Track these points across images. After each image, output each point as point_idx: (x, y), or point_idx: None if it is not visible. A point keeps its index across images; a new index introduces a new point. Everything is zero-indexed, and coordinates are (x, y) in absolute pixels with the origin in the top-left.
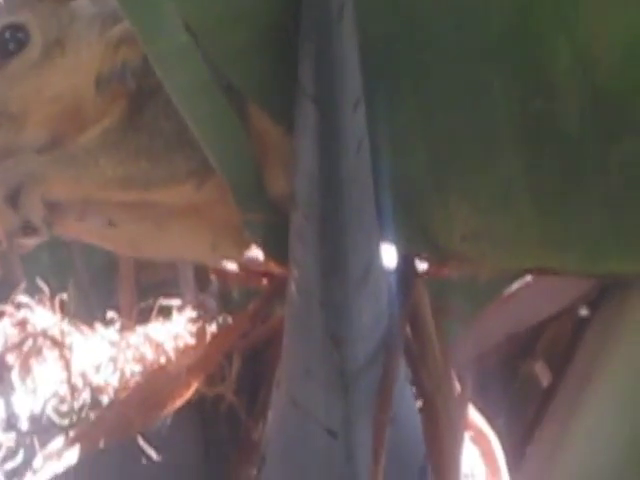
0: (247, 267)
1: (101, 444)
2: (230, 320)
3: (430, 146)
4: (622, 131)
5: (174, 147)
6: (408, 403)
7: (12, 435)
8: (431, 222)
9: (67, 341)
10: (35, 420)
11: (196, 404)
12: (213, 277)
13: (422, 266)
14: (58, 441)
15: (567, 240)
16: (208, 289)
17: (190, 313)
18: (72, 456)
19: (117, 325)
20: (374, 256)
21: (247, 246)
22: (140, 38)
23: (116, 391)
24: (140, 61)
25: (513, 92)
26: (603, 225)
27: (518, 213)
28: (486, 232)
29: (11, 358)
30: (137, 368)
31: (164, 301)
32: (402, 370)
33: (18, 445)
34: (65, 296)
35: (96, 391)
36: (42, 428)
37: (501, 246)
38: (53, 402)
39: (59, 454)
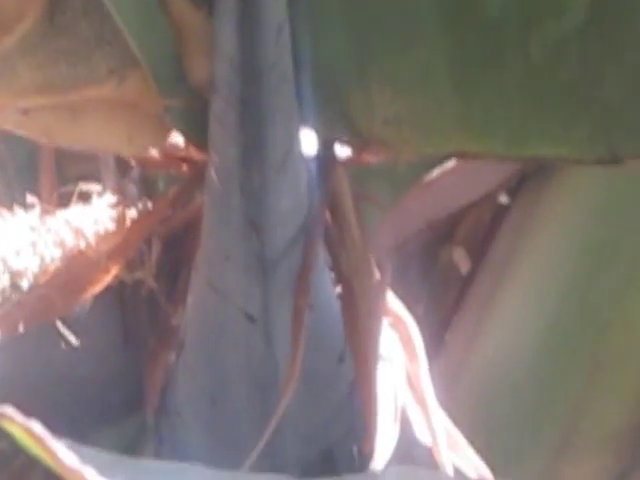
0: (167, 153)
1: (20, 328)
2: (150, 205)
3: (350, 30)
4: (542, 15)
5: (93, 46)
6: (327, 289)
7: None
8: (353, 106)
9: None
10: None
11: (115, 289)
12: (134, 163)
13: (342, 152)
14: None
15: (488, 124)
16: (129, 175)
17: (110, 198)
18: None
19: (37, 210)
20: (294, 142)
21: (165, 138)
22: None
23: (36, 276)
24: None
25: None
26: (524, 109)
27: (439, 97)
28: (407, 116)
29: None
30: (57, 253)
31: (84, 187)
32: (321, 256)
33: None
34: None
35: (16, 275)
36: None
37: (422, 130)
38: None
39: None
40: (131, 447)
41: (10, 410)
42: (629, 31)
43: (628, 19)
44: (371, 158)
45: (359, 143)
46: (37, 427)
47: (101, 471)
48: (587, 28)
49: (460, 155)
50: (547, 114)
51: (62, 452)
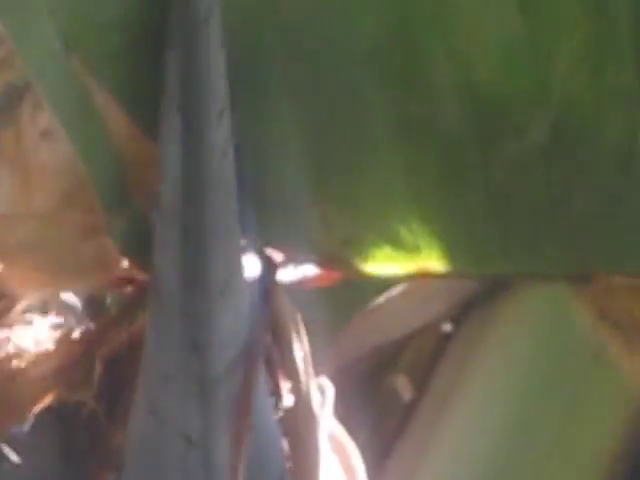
0: (112, 273)
1: None
2: (93, 325)
3: (304, 151)
4: (502, 133)
5: None
6: (267, 412)
7: None
8: (311, 228)
9: None
10: None
11: (56, 409)
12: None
13: (287, 276)
14: None
15: (451, 243)
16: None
17: (53, 319)
18: None
19: None
20: (236, 264)
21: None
22: (11, 40)
23: None
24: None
25: (387, 95)
26: (488, 227)
27: (400, 215)
28: (366, 237)
29: None
30: None
31: (28, 305)
32: (262, 379)
33: None
34: None
35: None
36: None
37: (383, 250)
38: None
39: None
40: None
41: None
42: (592, 148)
43: (591, 136)
44: (318, 282)
45: (319, 263)
46: None
47: None
48: (550, 147)
49: (423, 275)
50: (513, 232)
51: None
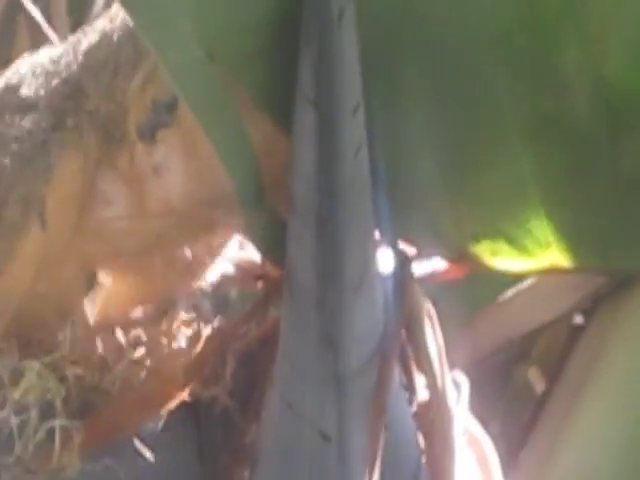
0: (243, 269)
1: (96, 445)
2: (224, 322)
3: (436, 148)
4: (633, 126)
5: None
6: (402, 408)
7: None
8: (441, 223)
9: None
10: None
11: (190, 405)
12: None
13: (418, 270)
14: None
15: (578, 238)
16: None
17: (185, 316)
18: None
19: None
20: (370, 260)
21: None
22: (157, 55)
23: (111, 392)
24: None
25: (518, 92)
26: (615, 220)
27: (529, 210)
28: (497, 231)
29: None
30: (134, 369)
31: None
32: (397, 375)
33: None
34: None
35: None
36: None
37: (513, 245)
38: None
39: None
40: None
41: None
42: None
43: None
44: (448, 275)
45: (450, 259)
46: None
47: None
48: None
49: (552, 270)
50: (636, 226)
51: None
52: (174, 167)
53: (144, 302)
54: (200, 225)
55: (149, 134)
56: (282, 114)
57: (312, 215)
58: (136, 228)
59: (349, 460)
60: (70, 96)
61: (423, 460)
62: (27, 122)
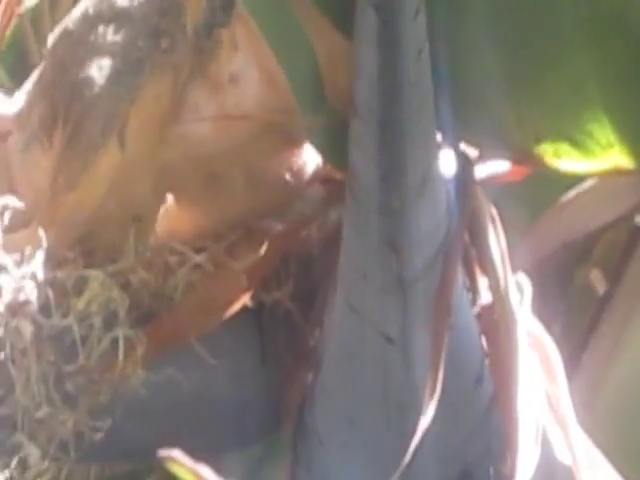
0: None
1: (159, 353)
2: (286, 226)
3: (499, 48)
4: None
5: None
6: (465, 309)
7: None
8: (504, 124)
9: None
10: None
11: (252, 310)
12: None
13: (481, 172)
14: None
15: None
16: None
17: None
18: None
19: None
20: (432, 162)
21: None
22: None
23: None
24: None
25: None
26: None
27: (591, 111)
28: (559, 133)
29: None
30: (195, 273)
31: None
32: (460, 277)
33: None
34: None
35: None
36: None
37: (575, 146)
38: None
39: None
40: (256, 468)
41: (178, 454)
42: None
43: None
44: (509, 178)
45: (514, 160)
46: (206, 471)
47: None
48: None
49: (614, 171)
50: None
51: None
52: (249, 74)
53: (214, 229)
54: (278, 136)
55: (205, 34)
56: (343, 18)
57: (374, 118)
58: (217, 133)
59: (413, 362)
60: (167, 11)
61: (486, 362)
62: (121, 36)
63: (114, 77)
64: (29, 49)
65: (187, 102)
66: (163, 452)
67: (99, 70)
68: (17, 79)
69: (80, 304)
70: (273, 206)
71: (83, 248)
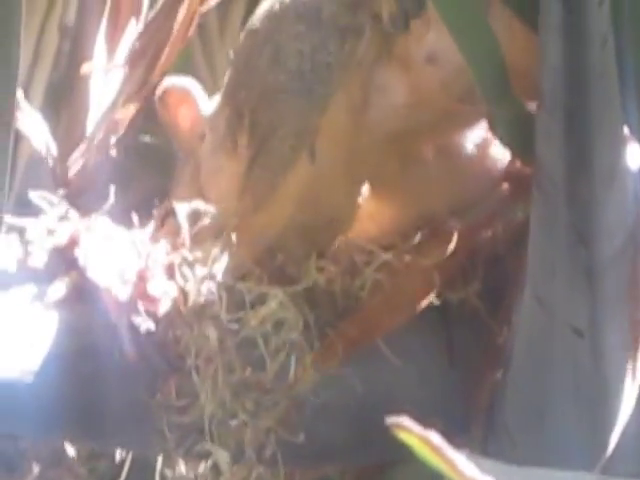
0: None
1: (350, 351)
2: (471, 224)
3: None
4: None
5: None
6: None
7: None
8: None
9: None
10: None
11: (439, 308)
12: None
13: None
14: None
15: None
16: None
17: None
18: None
19: None
20: (620, 154)
21: None
22: None
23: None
24: None
25: None
26: None
27: None
28: None
29: None
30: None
31: None
32: None
33: None
34: None
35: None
36: None
37: None
38: None
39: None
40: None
41: (407, 421)
42: None
43: None
44: None
45: None
46: (435, 438)
47: None
48: None
49: None
50: None
51: (461, 462)
52: (444, 57)
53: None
54: (463, 119)
55: (402, 24)
56: (528, 9)
57: (560, 109)
58: (407, 112)
59: (602, 355)
60: (358, 3)
61: None
62: (309, 35)
63: (303, 86)
64: (199, 76)
65: (374, 84)
66: (392, 419)
67: (286, 74)
68: None
69: (254, 320)
70: (468, 198)
71: (272, 264)
